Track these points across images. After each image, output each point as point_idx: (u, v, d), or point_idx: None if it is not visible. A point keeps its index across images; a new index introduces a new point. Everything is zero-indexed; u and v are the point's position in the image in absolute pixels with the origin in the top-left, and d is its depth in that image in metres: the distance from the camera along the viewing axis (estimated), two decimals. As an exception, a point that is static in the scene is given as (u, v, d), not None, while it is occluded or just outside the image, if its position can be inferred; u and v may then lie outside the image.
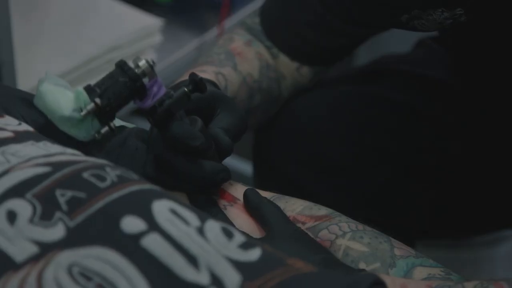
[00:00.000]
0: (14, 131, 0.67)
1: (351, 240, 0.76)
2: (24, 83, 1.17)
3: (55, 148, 0.65)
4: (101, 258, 0.54)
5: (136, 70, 0.73)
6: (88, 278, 0.53)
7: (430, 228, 1.23)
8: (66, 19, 1.36)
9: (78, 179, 0.60)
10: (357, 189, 1.16)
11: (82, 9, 1.38)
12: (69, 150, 0.65)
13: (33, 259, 0.55)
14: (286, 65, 1.09)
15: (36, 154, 0.63)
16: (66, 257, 0.55)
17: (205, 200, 0.79)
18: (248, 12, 1.55)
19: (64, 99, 0.73)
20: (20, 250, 0.55)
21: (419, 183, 1.17)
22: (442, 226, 1.23)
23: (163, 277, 0.54)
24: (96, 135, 0.75)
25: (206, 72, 0.95)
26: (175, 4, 1.52)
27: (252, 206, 0.80)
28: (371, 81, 1.19)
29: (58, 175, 0.60)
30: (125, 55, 1.32)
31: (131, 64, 0.73)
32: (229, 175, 0.80)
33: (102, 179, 0.60)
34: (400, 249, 0.76)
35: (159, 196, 0.59)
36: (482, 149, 1.16)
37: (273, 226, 0.77)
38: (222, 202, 0.81)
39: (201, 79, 0.77)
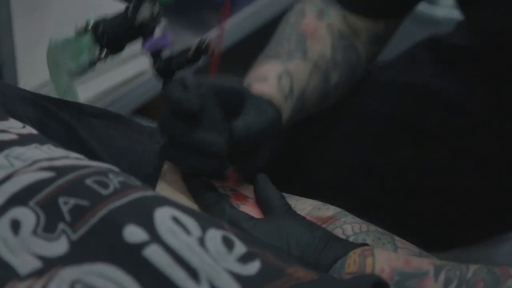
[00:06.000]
0: (18, 134, 0.67)
1: None
2: (25, 83, 1.17)
3: (59, 152, 0.65)
4: (103, 275, 0.54)
5: (135, 13, 0.79)
6: None
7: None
8: (67, 19, 1.36)
9: (81, 185, 0.60)
10: (339, 205, 1.15)
11: (84, 9, 1.38)
12: (72, 154, 0.65)
13: (36, 274, 0.55)
14: (358, 20, 1.09)
15: (40, 157, 0.63)
16: (69, 273, 0.54)
17: (217, 199, 0.79)
18: (249, 12, 1.55)
19: (65, 35, 0.81)
20: (24, 264, 0.55)
21: (402, 197, 1.17)
22: (428, 240, 1.23)
23: None
24: (90, 61, 0.80)
25: (268, 81, 0.94)
26: (177, 4, 1.52)
27: (258, 190, 0.80)
28: (354, 92, 1.18)
29: (61, 181, 0.60)
30: (125, 55, 1.32)
31: (143, 7, 0.80)
32: (223, 150, 0.78)
33: (105, 186, 0.60)
34: (403, 249, 0.77)
35: (161, 203, 0.59)
36: (463, 163, 1.16)
37: (273, 211, 0.77)
38: (234, 201, 0.81)
39: (206, 42, 0.79)
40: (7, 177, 0.60)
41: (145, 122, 0.88)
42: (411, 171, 1.16)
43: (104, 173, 0.61)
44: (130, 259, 0.55)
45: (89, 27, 0.80)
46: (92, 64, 0.81)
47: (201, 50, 0.79)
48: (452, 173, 1.16)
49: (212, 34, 1.48)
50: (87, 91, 1.28)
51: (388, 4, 1.09)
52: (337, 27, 1.07)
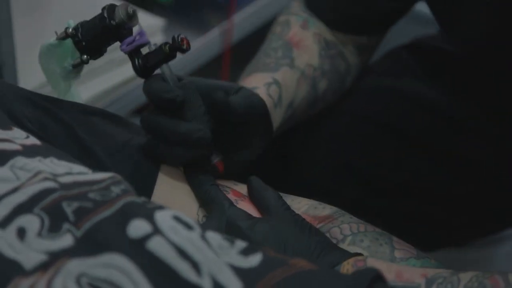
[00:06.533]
0: (22, 145, 0.67)
1: (351, 245, 0.77)
2: (25, 83, 1.17)
3: (62, 167, 0.65)
4: (108, 265, 0.55)
5: (110, 15, 0.80)
6: None
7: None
8: (67, 19, 1.36)
9: (84, 196, 0.61)
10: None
11: (84, 9, 1.37)
12: (75, 169, 0.65)
13: (42, 267, 0.55)
14: (340, 34, 1.09)
15: (44, 169, 0.63)
16: (75, 266, 0.55)
17: (217, 193, 0.79)
18: (249, 12, 1.55)
19: (53, 38, 0.83)
20: (29, 258, 0.56)
21: (391, 198, 1.17)
22: (417, 241, 1.23)
23: (168, 278, 0.54)
24: (72, 65, 0.83)
25: (256, 91, 0.95)
26: (177, 4, 1.52)
27: (254, 192, 0.80)
28: (343, 93, 1.18)
29: (65, 192, 0.61)
30: (125, 55, 1.32)
31: (117, 9, 0.81)
32: (207, 136, 0.79)
33: (107, 196, 0.61)
34: (400, 250, 0.77)
35: (161, 207, 0.60)
36: (448, 166, 1.16)
37: (271, 212, 0.77)
38: (232, 197, 0.81)
39: (181, 37, 0.80)
40: (14, 190, 0.61)
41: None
42: (398, 173, 1.16)
43: (106, 188, 0.62)
44: (134, 251, 0.56)
45: (68, 33, 0.81)
46: (75, 67, 0.83)
47: (176, 45, 0.79)
48: (438, 175, 1.16)
49: (213, 34, 1.48)
50: (87, 91, 1.28)
51: (364, 24, 1.10)
52: (323, 36, 1.07)
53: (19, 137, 0.69)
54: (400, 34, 1.24)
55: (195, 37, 1.44)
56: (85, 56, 0.82)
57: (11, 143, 0.67)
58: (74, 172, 0.64)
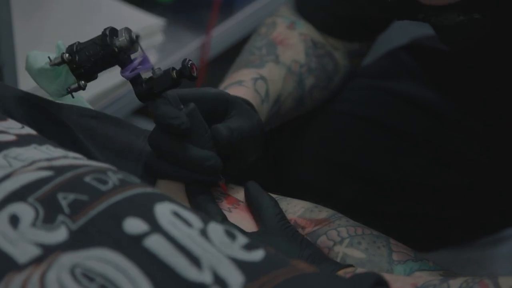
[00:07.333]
0: (16, 135, 0.67)
1: (348, 247, 0.77)
2: (25, 84, 1.17)
3: (57, 152, 0.65)
4: (103, 260, 0.55)
5: (113, 40, 0.76)
6: (91, 279, 0.54)
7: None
8: (67, 19, 1.36)
9: (80, 182, 0.60)
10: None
11: (84, 10, 1.38)
12: (71, 154, 0.65)
13: (36, 261, 0.55)
14: (331, 39, 1.09)
15: (39, 158, 0.63)
16: (68, 258, 0.55)
17: (210, 206, 0.79)
18: (249, 12, 1.55)
19: (42, 56, 0.78)
20: (23, 252, 0.56)
21: (385, 199, 1.17)
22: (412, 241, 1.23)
23: (166, 276, 0.54)
24: (68, 90, 0.79)
25: (243, 86, 0.94)
26: (177, 4, 1.52)
27: (250, 198, 0.80)
28: (336, 93, 1.17)
29: (60, 179, 0.60)
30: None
31: (120, 33, 0.77)
32: (218, 164, 0.78)
33: (104, 182, 0.60)
34: (398, 253, 0.77)
35: (161, 199, 0.59)
36: (443, 166, 1.16)
37: (265, 221, 0.77)
38: (226, 205, 0.81)
39: (190, 64, 0.77)
40: (6, 177, 0.60)
41: (145, 122, 0.88)
42: (395, 173, 1.16)
43: (103, 171, 0.62)
44: (131, 248, 0.55)
45: (65, 59, 0.77)
46: (70, 92, 0.80)
47: (186, 72, 0.77)
48: (433, 175, 1.16)
49: (212, 34, 1.48)
50: (87, 91, 1.27)
51: (359, 29, 1.10)
52: (310, 36, 1.07)
53: (14, 127, 0.69)
54: (399, 34, 1.24)
55: (194, 37, 1.44)
56: (83, 82, 0.79)
57: (6, 134, 0.67)
58: (70, 156, 0.64)
